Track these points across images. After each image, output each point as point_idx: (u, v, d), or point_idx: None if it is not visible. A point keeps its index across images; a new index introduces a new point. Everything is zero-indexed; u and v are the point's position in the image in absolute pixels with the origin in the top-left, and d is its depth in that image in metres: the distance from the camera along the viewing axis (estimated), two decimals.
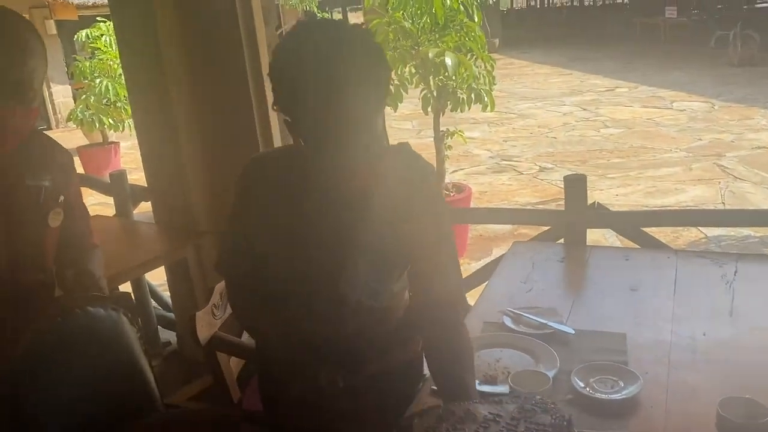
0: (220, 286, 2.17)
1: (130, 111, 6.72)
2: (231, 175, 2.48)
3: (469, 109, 4.30)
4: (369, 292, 1.44)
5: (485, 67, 4.26)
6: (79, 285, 1.38)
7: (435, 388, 1.54)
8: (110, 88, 7.37)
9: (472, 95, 4.15)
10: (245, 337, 2.12)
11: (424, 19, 4.17)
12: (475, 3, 4.27)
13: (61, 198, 1.44)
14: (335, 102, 1.17)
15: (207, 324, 2.07)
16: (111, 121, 7.67)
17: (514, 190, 6.39)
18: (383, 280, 1.48)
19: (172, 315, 3.53)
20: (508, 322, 1.91)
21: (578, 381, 1.57)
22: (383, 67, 1.25)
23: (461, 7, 4.17)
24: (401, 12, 4.21)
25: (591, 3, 25.24)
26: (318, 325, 1.42)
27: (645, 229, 2.55)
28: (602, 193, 5.98)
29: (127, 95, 6.73)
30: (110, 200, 3.48)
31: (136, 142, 3.11)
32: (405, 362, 1.64)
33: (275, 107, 1.23)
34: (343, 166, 1.26)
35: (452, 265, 1.48)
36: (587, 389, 1.55)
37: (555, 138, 8.40)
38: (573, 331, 1.82)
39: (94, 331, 1.25)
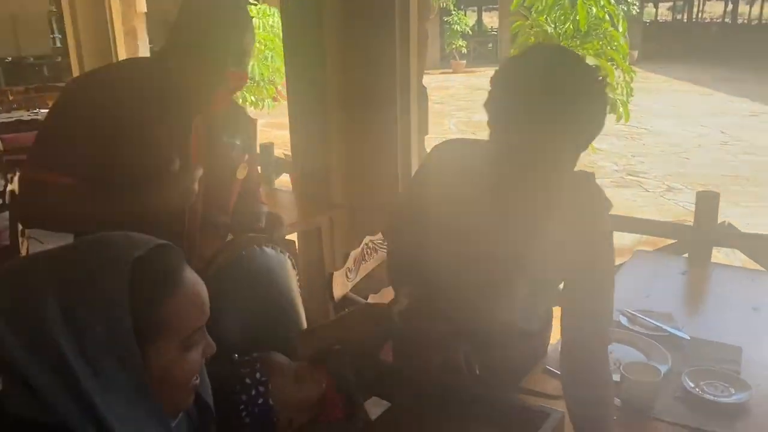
0: (355, 252, 2.40)
1: (271, 91, 7.24)
2: (367, 157, 2.72)
3: None
4: (522, 314, 1.51)
5: (624, 78, 4.25)
6: (252, 229, 1.62)
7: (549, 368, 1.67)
8: (255, 67, 7.91)
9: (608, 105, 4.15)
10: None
11: (567, 25, 4.23)
12: (621, 13, 4.27)
13: (246, 156, 1.70)
14: (528, 122, 1.20)
15: (341, 284, 2.31)
16: (253, 99, 8.23)
17: (637, 207, 6.25)
18: (537, 305, 1.56)
19: None
20: (624, 321, 1.99)
21: (688, 381, 1.64)
22: (595, 115, 1.23)
23: (606, 16, 4.18)
24: (544, 16, 4.29)
25: (745, 21, 23.65)
26: (462, 314, 1.51)
27: None
28: (732, 220, 5.73)
29: (270, 76, 7.25)
30: None
31: (272, 120, 3.39)
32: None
33: (485, 106, 1.27)
34: (524, 180, 1.28)
35: (607, 305, 1.45)
36: (696, 389, 1.62)
37: (687, 158, 8.10)
38: (688, 337, 1.87)
39: (266, 266, 1.49)
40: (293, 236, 3.47)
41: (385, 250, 1.92)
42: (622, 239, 5.02)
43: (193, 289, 0.97)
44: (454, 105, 12.27)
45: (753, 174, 7.33)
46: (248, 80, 1.66)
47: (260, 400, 1.23)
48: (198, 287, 0.99)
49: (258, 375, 1.25)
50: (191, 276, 0.98)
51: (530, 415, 1.38)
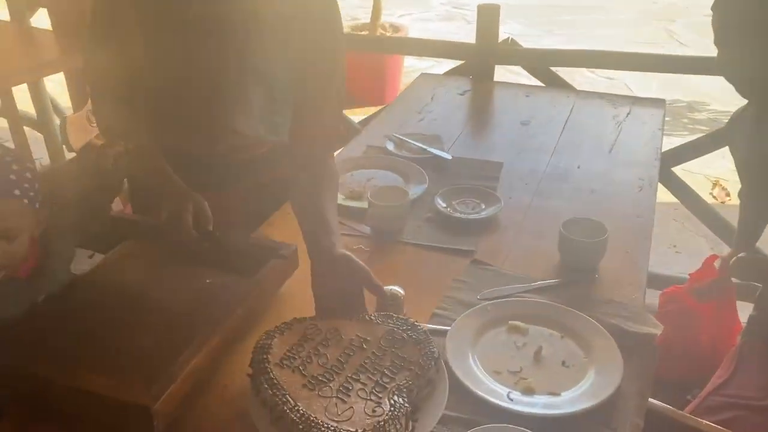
0: None
1: None
2: None
3: None
4: (268, 125, 1.27)
5: None
6: None
7: None
8: None
9: None
10: None
11: None
12: None
13: None
14: None
15: (81, 129, 1.98)
16: None
17: (459, 39, 6.17)
18: (281, 111, 1.33)
19: None
20: (390, 146, 1.87)
21: (440, 201, 1.57)
22: None
23: None
24: None
25: None
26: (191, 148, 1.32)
27: (555, 69, 2.49)
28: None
29: None
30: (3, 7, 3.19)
31: None
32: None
33: None
34: None
35: (337, 98, 1.30)
36: (448, 209, 1.55)
37: None
38: (450, 157, 1.79)
39: None
40: None
41: None
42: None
43: None
44: None
45: (571, 3, 7.43)
46: None
47: None
48: None
49: None
50: None
51: (264, 251, 1.25)
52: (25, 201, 1.12)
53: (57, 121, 3.06)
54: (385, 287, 1.19)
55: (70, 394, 0.95)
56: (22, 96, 3.07)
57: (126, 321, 1.11)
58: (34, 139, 3.13)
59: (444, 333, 1.15)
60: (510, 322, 1.18)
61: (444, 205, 1.56)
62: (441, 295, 1.27)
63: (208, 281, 1.21)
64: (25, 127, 3.03)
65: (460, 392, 1.03)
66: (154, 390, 0.92)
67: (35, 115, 3.15)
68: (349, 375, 0.98)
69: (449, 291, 1.29)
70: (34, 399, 1.00)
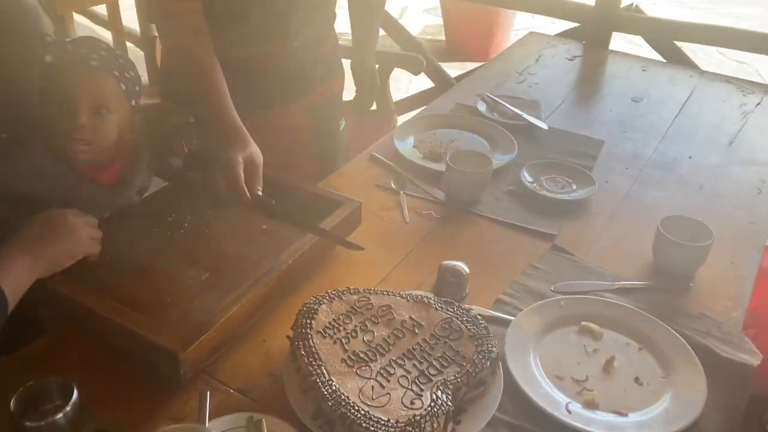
0: None
1: None
2: None
3: None
4: None
5: None
6: None
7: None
8: None
9: None
10: None
11: None
12: None
13: None
14: None
15: None
16: None
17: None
18: None
19: None
20: (481, 107, 1.73)
21: (527, 175, 1.43)
22: None
23: None
24: None
25: None
26: None
27: (680, 44, 2.23)
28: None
29: None
30: None
31: None
32: None
33: None
34: None
35: None
36: (534, 184, 1.41)
37: None
38: (546, 127, 1.64)
39: None
40: None
41: None
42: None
43: None
44: None
45: None
46: None
47: None
48: None
49: None
50: None
51: (326, 203, 1.18)
52: (123, 87, 1.13)
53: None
54: (448, 262, 1.09)
55: (107, 325, 0.91)
56: (127, 12, 3.09)
57: (173, 256, 1.07)
58: (135, 58, 3.17)
59: (506, 323, 1.04)
60: (583, 322, 1.05)
61: (530, 179, 1.42)
62: (510, 280, 1.15)
63: (264, 227, 1.14)
64: (127, 43, 3.06)
65: (512, 392, 0.92)
66: (186, 336, 0.87)
67: (139, 32, 3.17)
68: (394, 358, 0.89)
69: (520, 276, 1.17)
70: (75, 320, 0.97)
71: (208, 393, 0.87)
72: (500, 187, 1.42)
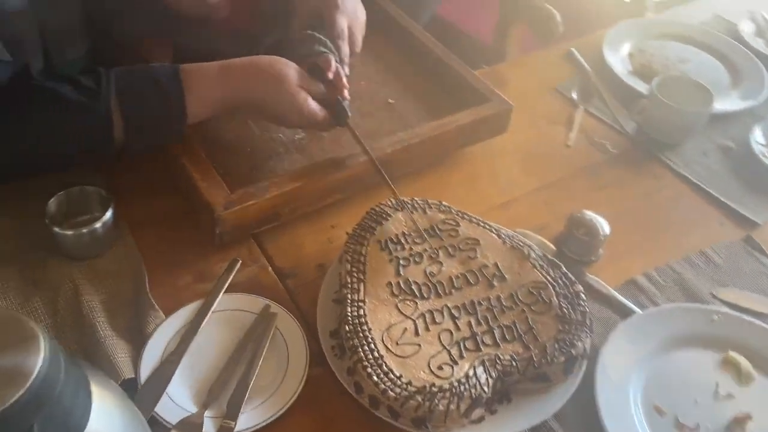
0: None
1: None
2: None
3: None
4: None
5: None
6: None
7: None
8: None
9: None
10: None
11: None
12: None
13: None
14: None
15: None
16: None
17: None
18: None
19: None
20: (746, 27, 1.31)
21: (759, 134, 1.06)
22: None
23: None
24: None
25: None
26: None
27: None
28: None
29: None
30: None
31: None
32: None
33: None
34: None
35: None
36: (765, 150, 1.05)
37: None
38: None
39: None
40: None
41: None
42: None
43: None
44: None
45: None
46: None
47: None
48: None
49: None
50: None
51: (471, 93, 0.96)
52: None
53: None
54: (584, 213, 0.85)
55: (170, 164, 0.84)
56: None
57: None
58: None
59: (627, 313, 0.79)
60: (731, 352, 0.77)
61: (763, 142, 1.06)
62: (661, 261, 0.87)
63: (390, 101, 0.97)
64: None
65: (584, 403, 0.70)
66: (231, 197, 0.77)
67: None
68: (449, 305, 0.71)
69: (679, 261, 0.88)
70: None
71: (239, 263, 0.77)
72: (714, 138, 1.07)
